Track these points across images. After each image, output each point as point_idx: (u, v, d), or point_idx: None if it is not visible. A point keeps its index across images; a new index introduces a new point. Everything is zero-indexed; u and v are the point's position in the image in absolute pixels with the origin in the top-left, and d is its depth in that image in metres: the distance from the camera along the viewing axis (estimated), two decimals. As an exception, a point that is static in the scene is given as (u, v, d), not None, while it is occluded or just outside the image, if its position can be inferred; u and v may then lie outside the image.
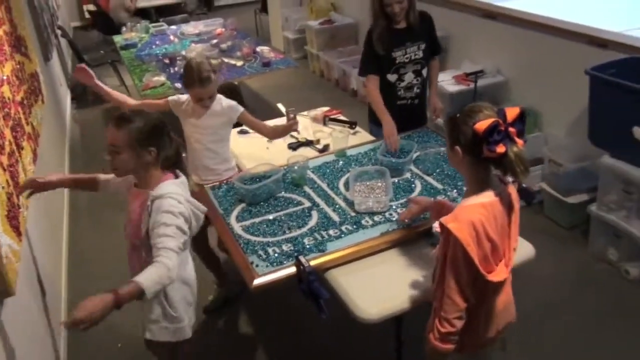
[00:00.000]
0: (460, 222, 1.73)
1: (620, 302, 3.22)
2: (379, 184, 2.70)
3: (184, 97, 3.09)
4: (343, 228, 2.44)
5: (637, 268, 3.34)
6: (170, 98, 3.12)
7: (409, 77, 3.30)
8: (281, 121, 3.79)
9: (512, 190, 1.89)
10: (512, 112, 1.72)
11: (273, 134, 3.22)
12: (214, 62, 3.09)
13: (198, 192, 2.90)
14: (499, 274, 1.81)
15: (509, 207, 1.83)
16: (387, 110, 3.22)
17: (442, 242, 1.81)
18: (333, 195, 2.72)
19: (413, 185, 2.76)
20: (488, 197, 1.78)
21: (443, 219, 1.77)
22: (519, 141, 1.71)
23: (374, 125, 3.52)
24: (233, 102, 3.10)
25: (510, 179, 1.83)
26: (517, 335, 2.95)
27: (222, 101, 3.06)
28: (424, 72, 3.37)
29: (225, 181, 2.94)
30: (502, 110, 1.73)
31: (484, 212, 1.75)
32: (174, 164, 2.22)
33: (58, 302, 3.37)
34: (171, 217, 2.01)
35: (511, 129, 1.69)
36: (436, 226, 2.29)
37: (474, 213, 1.74)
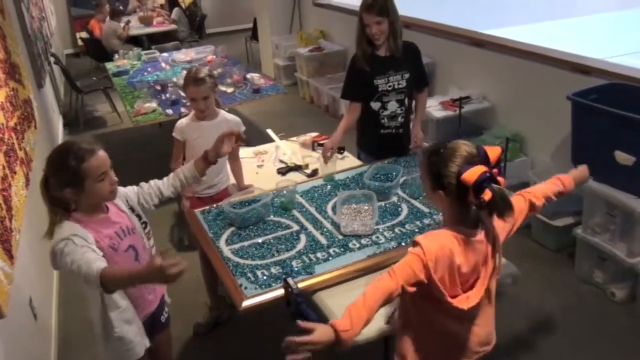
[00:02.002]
0: (432, 241, 1.74)
1: (606, 324, 3.26)
2: (366, 207, 2.74)
3: (183, 120, 3.20)
4: (331, 251, 2.48)
5: (623, 290, 3.38)
6: (173, 134, 3.22)
7: (392, 105, 3.35)
8: (269, 147, 3.86)
9: (498, 224, 1.85)
10: (494, 153, 1.71)
11: (232, 169, 3.36)
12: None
13: (188, 214, 2.95)
14: (462, 301, 1.79)
15: (491, 244, 1.82)
16: (342, 131, 3.33)
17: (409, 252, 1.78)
18: (321, 218, 2.77)
19: (400, 209, 2.80)
20: (468, 234, 1.77)
21: (417, 237, 1.78)
22: (501, 180, 1.69)
23: (362, 150, 3.59)
24: (238, 118, 3.25)
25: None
26: (504, 356, 2.98)
27: (227, 116, 3.18)
28: (407, 102, 3.40)
29: (215, 205, 2.98)
30: (482, 150, 1.71)
31: (456, 244, 1.74)
32: None
33: (49, 325, 3.37)
34: None
35: (494, 171, 1.68)
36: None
37: (448, 239, 1.75)
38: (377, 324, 2.11)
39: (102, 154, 2.04)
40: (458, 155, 1.71)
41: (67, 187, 1.99)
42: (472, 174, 1.64)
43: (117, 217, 2.19)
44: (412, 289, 1.73)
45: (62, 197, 2.02)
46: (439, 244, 1.73)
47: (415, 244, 1.76)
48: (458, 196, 1.72)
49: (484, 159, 1.70)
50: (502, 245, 1.86)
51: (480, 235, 1.79)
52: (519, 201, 2.01)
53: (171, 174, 2.46)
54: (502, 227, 1.89)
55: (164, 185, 2.41)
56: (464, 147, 1.74)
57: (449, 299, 1.76)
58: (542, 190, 2.11)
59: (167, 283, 1.77)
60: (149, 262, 1.73)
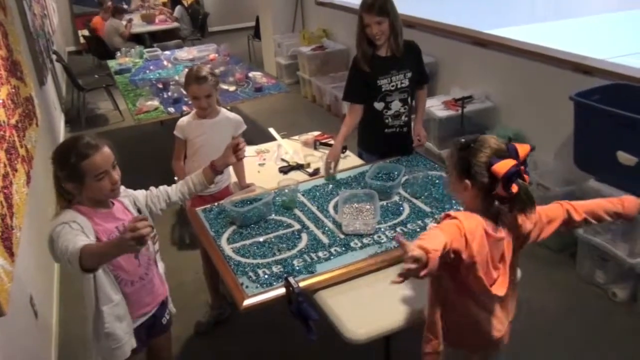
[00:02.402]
0: (469, 218, 1.76)
1: (607, 324, 3.25)
2: (368, 207, 2.74)
3: (184, 118, 3.20)
4: (332, 250, 2.48)
5: (624, 290, 3.38)
6: (175, 132, 3.21)
7: (396, 105, 3.34)
8: (271, 145, 3.86)
9: (525, 225, 1.88)
10: (523, 150, 1.75)
11: (234, 167, 3.33)
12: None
13: (190, 212, 2.95)
14: (498, 287, 1.84)
15: (512, 242, 1.86)
16: (343, 138, 3.31)
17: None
18: (322, 218, 2.76)
19: (401, 209, 2.80)
20: (491, 228, 1.80)
21: (452, 212, 1.80)
22: (526, 177, 1.75)
23: (363, 150, 3.58)
24: (240, 117, 3.26)
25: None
26: (506, 357, 2.97)
27: (229, 114, 3.18)
28: (410, 100, 3.39)
29: (216, 203, 2.97)
30: (512, 147, 1.76)
31: (486, 229, 1.78)
32: None
33: (49, 324, 3.37)
34: None
35: (521, 168, 1.73)
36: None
37: (480, 221, 1.78)
38: (379, 324, 2.11)
39: (105, 151, 2.06)
40: (488, 146, 1.77)
41: (69, 182, 2.03)
42: (503, 166, 1.69)
43: (122, 214, 2.20)
44: (450, 255, 1.69)
45: (66, 189, 2.06)
46: (475, 223, 1.76)
47: (450, 217, 1.78)
48: (484, 187, 1.76)
49: (513, 154, 1.74)
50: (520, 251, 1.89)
51: (501, 233, 1.83)
52: (555, 209, 2.00)
53: (180, 181, 2.49)
54: (528, 229, 1.91)
55: (172, 190, 2.44)
56: (493, 140, 1.80)
57: (484, 280, 1.79)
58: (587, 205, 2.03)
59: (133, 250, 1.74)
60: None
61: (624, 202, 2.04)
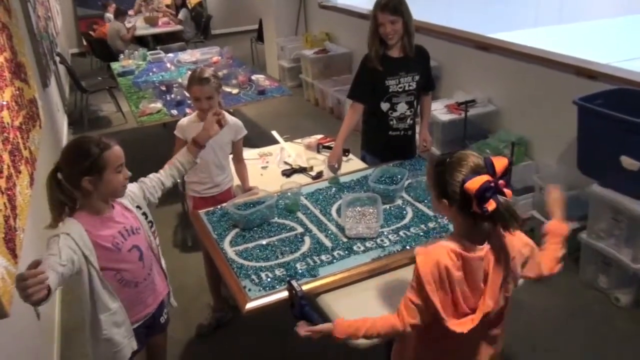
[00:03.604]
0: (427, 257, 1.71)
1: (610, 329, 3.25)
2: (371, 210, 2.73)
3: (185, 119, 3.21)
4: (335, 253, 2.48)
5: (627, 295, 3.37)
6: (175, 132, 3.22)
7: (402, 107, 3.34)
8: (274, 148, 3.86)
9: (512, 239, 1.79)
10: (500, 164, 1.67)
11: (237, 170, 3.36)
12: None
13: (193, 215, 2.95)
14: (461, 324, 1.74)
15: (497, 260, 1.75)
16: (344, 138, 3.32)
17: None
18: (325, 221, 2.76)
19: (404, 212, 2.80)
20: (468, 249, 1.72)
21: (417, 249, 1.76)
22: (508, 192, 1.65)
23: (367, 152, 3.58)
24: (240, 122, 3.26)
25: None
26: (508, 361, 2.97)
27: (229, 118, 3.18)
28: (416, 104, 3.41)
29: (219, 206, 2.97)
30: (489, 161, 1.68)
31: (454, 259, 1.71)
32: None
33: (52, 326, 3.37)
34: None
35: (500, 182, 1.65)
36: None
37: (444, 256, 1.71)
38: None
39: (118, 148, 2.11)
40: (465, 164, 1.69)
41: (86, 176, 2.01)
42: (475, 182, 1.61)
43: (122, 217, 2.20)
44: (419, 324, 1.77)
45: (75, 190, 2.04)
46: (434, 262, 1.71)
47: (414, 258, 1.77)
48: (461, 206, 1.68)
49: (489, 169, 1.66)
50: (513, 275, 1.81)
51: (482, 252, 1.73)
52: (543, 264, 1.94)
53: (166, 165, 2.53)
54: (518, 248, 1.83)
55: (163, 176, 2.49)
56: (472, 157, 1.71)
57: (448, 323, 1.73)
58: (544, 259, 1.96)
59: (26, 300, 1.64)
60: None
61: (557, 232, 2.04)
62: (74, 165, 2.03)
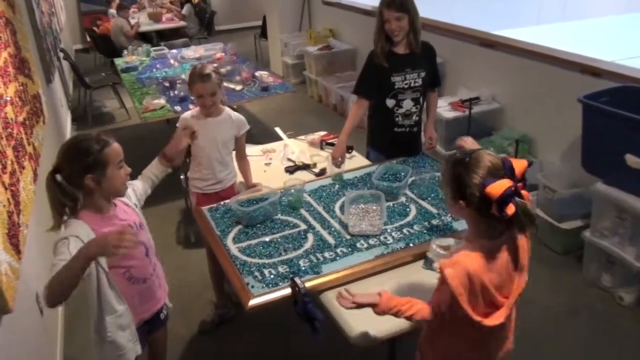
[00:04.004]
0: (456, 268, 1.70)
1: (614, 328, 3.24)
2: (374, 208, 2.73)
3: (188, 113, 3.20)
4: (338, 251, 2.47)
5: (631, 294, 3.37)
6: (177, 124, 3.20)
7: (408, 104, 3.34)
8: (278, 145, 3.86)
9: (522, 241, 1.80)
10: (520, 166, 1.67)
11: (240, 167, 3.35)
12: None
13: (196, 211, 2.95)
14: (492, 319, 1.76)
15: (515, 258, 1.78)
16: (348, 133, 3.33)
17: (439, 280, 1.78)
18: (329, 218, 2.76)
19: (408, 209, 2.79)
20: (490, 247, 1.74)
21: (442, 262, 1.76)
22: (526, 194, 1.65)
23: (372, 149, 3.58)
24: (243, 117, 3.24)
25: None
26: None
27: (232, 114, 3.17)
28: (422, 100, 3.40)
29: (222, 202, 2.97)
30: (508, 163, 1.67)
31: (481, 262, 1.71)
32: None
33: (55, 321, 3.38)
34: None
35: (519, 185, 1.64)
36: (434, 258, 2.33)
37: (472, 263, 1.71)
38: (384, 326, 2.10)
39: (117, 144, 2.10)
40: (481, 166, 1.67)
41: (89, 173, 2.00)
42: (497, 188, 1.60)
43: (124, 214, 2.20)
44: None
45: (76, 189, 2.02)
46: (464, 272, 1.70)
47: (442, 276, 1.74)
48: (480, 208, 1.67)
49: (509, 171, 1.65)
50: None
51: (504, 250, 1.76)
52: None
53: (140, 177, 2.49)
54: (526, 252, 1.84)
55: (143, 186, 2.46)
56: (488, 157, 1.69)
57: (485, 322, 1.74)
58: None
59: (107, 253, 1.77)
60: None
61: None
62: (75, 164, 2.01)
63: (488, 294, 1.73)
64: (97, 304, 2.08)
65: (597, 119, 3.37)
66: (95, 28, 10.29)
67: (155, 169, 2.52)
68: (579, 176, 3.74)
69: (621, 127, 3.19)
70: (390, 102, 3.33)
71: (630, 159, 3.16)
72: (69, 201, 2.04)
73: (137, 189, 2.40)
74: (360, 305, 1.88)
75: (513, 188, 1.61)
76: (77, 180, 2.02)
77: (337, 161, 3.25)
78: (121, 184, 2.12)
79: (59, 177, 2.02)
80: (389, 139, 3.43)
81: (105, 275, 2.06)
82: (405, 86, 3.29)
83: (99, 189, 2.05)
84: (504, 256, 1.75)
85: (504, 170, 1.66)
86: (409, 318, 1.85)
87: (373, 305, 1.86)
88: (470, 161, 1.70)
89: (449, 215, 2.69)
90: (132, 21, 9.67)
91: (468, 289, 1.70)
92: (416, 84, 3.31)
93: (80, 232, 1.96)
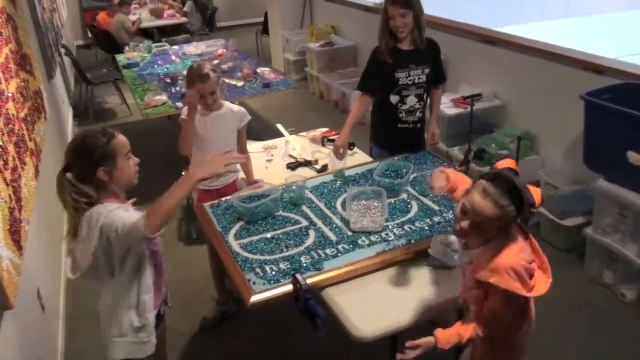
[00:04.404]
0: (500, 272, 1.78)
1: (615, 325, 3.24)
2: (376, 204, 2.73)
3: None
4: (340, 247, 2.47)
5: (633, 291, 3.36)
6: (181, 116, 3.19)
7: (412, 100, 3.34)
8: (279, 142, 3.86)
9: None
10: (536, 194, 1.85)
11: (241, 164, 3.33)
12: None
13: (198, 208, 2.95)
14: (541, 286, 1.89)
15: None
16: (351, 127, 3.32)
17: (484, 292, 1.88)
18: (330, 215, 2.76)
19: (410, 206, 2.79)
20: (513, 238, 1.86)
21: (481, 274, 1.82)
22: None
23: (375, 145, 3.57)
24: (243, 109, 3.24)
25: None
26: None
27: (233, 107, 3.18)
28: (426, 97, 3.40)
29: (224, 199, 2.97)
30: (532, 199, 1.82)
31: (518, 250, 1.83)
32: None
33: (56, 317, 3.38)
34: None
35: None
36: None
37: (512, 258, 1.81)
38: (386, 322, 2.10)
39: (123, 136, 2.12)
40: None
41: (101, 166, 2.02)
42: (538, 195, 1.85)
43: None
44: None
45: (92, 182, 2.04)
46: (510, 268, 1.78)
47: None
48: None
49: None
50: None
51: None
52: None
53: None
54: None
55: None
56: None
57: (537, 294, 1.88)
58: None
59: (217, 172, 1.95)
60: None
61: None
62: (85, 159, 2.02)
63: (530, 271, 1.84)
64: (136, 285, 2.10)
65: (599, 116, 3.37)
66: (95, 24, 10.27)
67: None
68: (581, 173, 3.74)
69: (623, 124, 3.18)
70: (394, 99, 3.33)
71: (633, 156, 3.15)
72: (83, 199, 2.05)
73: None
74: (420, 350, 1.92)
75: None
76: (89, 176, 2.03)
77: (339, 153, 3.24)
78: (133, 173, 2.14)
79: (69, 176, 2.03)
80: (393, 135, 3.42)
81: (149, 253, 2.10)
82: (410, 83, 3.29)
83: (112, 182, 2.06)
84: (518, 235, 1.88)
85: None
86: (470, 340, 1.94)
87: (433, 348, 1.92)
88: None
89: (451, 212, 2.69)
90: (133, 17, 9.66)
91: (518, 280, 1.78)
92: (420, 81, 3.30)
93: (115, 206, 2.00)
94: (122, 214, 1.93)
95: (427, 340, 1.91)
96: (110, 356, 2.15)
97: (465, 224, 1.82)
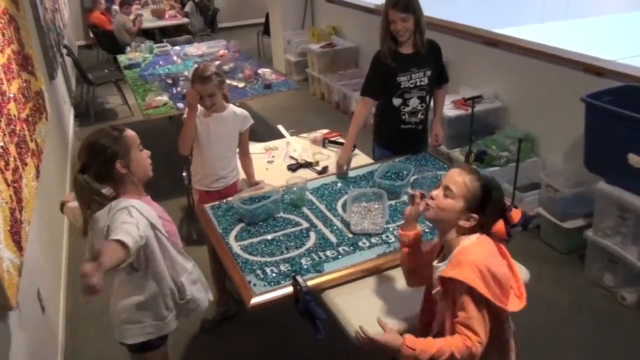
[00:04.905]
0: (462, 267, 1.72)
1: (616, 327, 3.23)
2: (376, 206, 2.73)
3: None
4: (340, 249, 2.47)
5: (633, 294, 3.36)
6: (182, 117, 3.21)
7: (414, 102, 3.34)
8: (280, 143, 3.86)
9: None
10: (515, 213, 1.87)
11: (242, 164, 3.36)
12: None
13: (198, 209, 2.96)
14: (514, 303, 1.80)
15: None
16: (353, 138, 3.31)
17: (449, 293, 1.79)
18: (331, 216, 2.76)
19: (410, 208, 2.79)
20: (477, 236, 1.83)
21: (442, 273, 1.78)
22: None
23: (378, 146, 3.58)
24: (247, 112, 3.26)
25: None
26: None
27: (236, 109, 3.19)
28: (428, 98, 3.41)
29: (225, 200, 2.98)
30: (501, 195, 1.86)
31: (487, 247, 1.80)
32: None
33: (56, 317, 3.38)
34: None
35: None
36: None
37: (489, 248, 1.80)
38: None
39: (131, 130, 2.18)
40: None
41: (117, 160, 2.07)
42: (516, 214, 1.87)
43: (153, 204, 2.26)
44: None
45: (110, 178, 2.10)
46: (471, 265, 1.72)
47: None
48: (484, 226, 1.83)
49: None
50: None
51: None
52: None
53: None
54: None
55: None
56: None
57: (508, 309, 1.78)
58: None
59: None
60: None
61: None
62: (101, 155, 2.06)
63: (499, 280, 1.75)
64: (168, 273, 2.16)
65: (600, 118, 3.37)
66: (94, 24, 10.28)
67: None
68: (581, 175, 3.73)
69: (624, 126, 3.18)
70: (396, 101, 3.33)
71: (633, 159, 3.15)
72: (98, 197, 2.09)
73: None
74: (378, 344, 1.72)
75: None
76: (107, 172, 2.08)
77: (342, 166, 3.23)
78: (147, 164, 2.20)
79: (85, 177, 2.05)
80: (395, 136, 3.43)
81: (167, 239, 2.14)
82: (411, 85, 3.29)
83: (129, 174, 2.11)
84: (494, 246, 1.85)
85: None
86: (450, 355, 1.67)
87: (396, 346, 1.69)
88: (498, 186, 1.86)
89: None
90: (132, 17, 9.66)
91: (482, 280, 1.70)
92: (422, 83, 3.31)
93: (134, 202, 2.03)
94: (124, 219, 1.94)
95: (395, 335, 1.72)
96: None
97: (435, 192, 1.86)
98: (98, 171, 2.07)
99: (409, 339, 1.70)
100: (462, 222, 1.81)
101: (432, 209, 1.86)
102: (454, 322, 1.74)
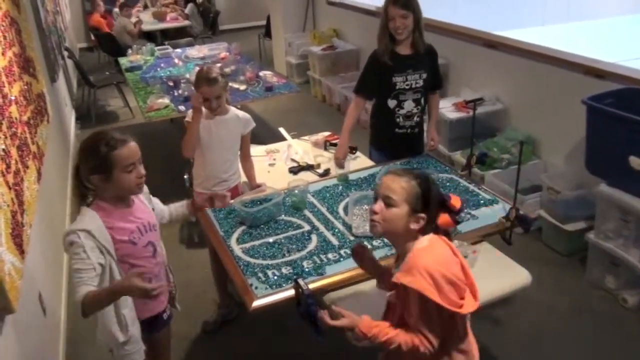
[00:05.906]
0: (413, 274, 1.71)
1: (617, 330, 3.23)
2: (378, 209, 2.72)
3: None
4: (342, 252, 2.47)
5: (635, 296, 3.36)
6: (186, 118, 3.20)
7: (409, 105, 3.34)
8: (281, 145, 3.86)
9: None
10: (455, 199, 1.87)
11: (244, 167, 3.37)
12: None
13: (200, 213, 2.95)
14: (469, 304, 1.77)
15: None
16: (348, 133, 3.36)
17: (401, 297, 1.79)
18: (332, 219, 2.76)
19: (411, 211, 2.79)
20: (428, 238, 1.82)
21: (395, 279, 1.76)
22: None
23: (374, 148, 3.58)
24: (249, 115, 3.26)
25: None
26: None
27: (238, 112, 3.19)
28: (423, 102, 3.41)
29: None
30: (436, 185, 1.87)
31: (439, 249, 1.80)
32: None
33: (57, 321, 3.38)
34: None
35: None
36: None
37: (442, 249, 1.80)
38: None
39: (133, 145, 2.09)
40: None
41: (95, 174, 2.04)
42: (456, 201, 1.85)
43: (141, 212, 2.22)
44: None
45: (89, 184, 2.07)
46: (423, 270, 1.71)
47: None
48: (431, 220, 1.82)
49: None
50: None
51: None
52: None
53: (165, 207, 2.55)
54: None
55: (160, 212, 2.49)
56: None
57: (461, 312, 1.75)
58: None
59: (148, 297, 1.79)
60: (126, 278, 1.82)
61: None
62: (84, 164, 2.07)
63: (454, 281, 1.74)
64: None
65: (601, 121, 3.37)
66: (94, 27, 10.30)
67: (178, 209, 2.57)
68: (583, 177, 3.74)
69: (625, 129, 3.18)
70: (391, 103, 3.33)
71: (634, 161, 3.15)
72: (88, 192, 2.10)
73: (156, 206, 2.43)
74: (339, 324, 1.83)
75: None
76: (86, 177, 2.07)
77: (340, 161, 3.26)
78: (131, 186, 2.10)
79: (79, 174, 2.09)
80: (390, 140, 3.43)
81: (117, 267, 2.07)
82: (407, 87, 3.29)
83: (106, 189, 2.08)
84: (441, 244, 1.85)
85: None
86: (397, 346, 1.76)
87: (353, 326, 1.80)
88: (433, 180, 1.86)
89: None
90: (133, 19, 9.68)
91: (433, 285, 1.69)
92: (417, 85, 3.31)
93: (91, 225, 1.99)
94: (76, 266, 1.92)
95: (353, 318, 1.81)
96: None
97: (377, 206, 1.83)
98: (82, 173, 2.09)
99: (364, 323, 1.80)
100: (413, 226, 1.79)
101: (379, 223, 1.83)
102: (410, 326, 1.77)
